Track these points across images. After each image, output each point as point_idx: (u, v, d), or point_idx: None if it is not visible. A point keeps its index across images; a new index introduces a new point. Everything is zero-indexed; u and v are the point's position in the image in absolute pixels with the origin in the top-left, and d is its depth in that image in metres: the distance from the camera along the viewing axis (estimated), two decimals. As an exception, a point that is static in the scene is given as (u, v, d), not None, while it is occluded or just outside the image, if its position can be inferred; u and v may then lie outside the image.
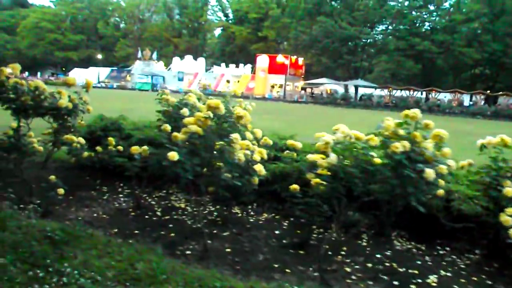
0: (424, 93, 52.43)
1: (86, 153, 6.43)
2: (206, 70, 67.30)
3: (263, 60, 57.09)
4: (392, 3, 54.50)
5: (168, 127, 4.62)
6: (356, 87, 55.24)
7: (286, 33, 62.71)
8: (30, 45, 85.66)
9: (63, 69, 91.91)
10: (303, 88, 60.05)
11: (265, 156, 4.88)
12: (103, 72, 71.44)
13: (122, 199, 6.46)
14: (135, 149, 4.94)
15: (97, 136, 7.99)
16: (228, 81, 60.86)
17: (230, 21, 74.96)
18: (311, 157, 4.43)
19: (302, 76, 60.04)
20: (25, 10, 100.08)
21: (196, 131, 4.30)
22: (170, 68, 69.49)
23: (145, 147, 4.96)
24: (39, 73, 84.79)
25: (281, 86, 57.63)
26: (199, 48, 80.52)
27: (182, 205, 6.31)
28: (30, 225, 4.70)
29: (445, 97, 50.94)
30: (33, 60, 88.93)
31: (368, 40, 49.36)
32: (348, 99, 52.61)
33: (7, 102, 5.58)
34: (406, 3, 54.37)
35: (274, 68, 55.89)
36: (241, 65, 63.78)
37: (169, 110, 6.00)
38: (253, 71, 60.87)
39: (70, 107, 5.60)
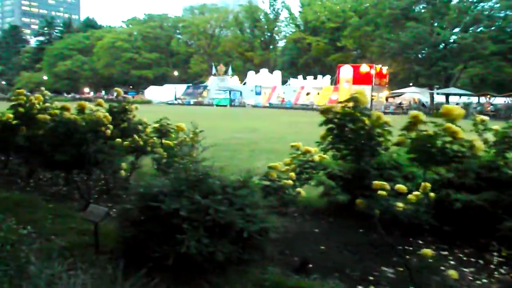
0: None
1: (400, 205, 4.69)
2: (283, 83, 65.90)
3: (346, 71, 54.77)
4: (485, 5, 50.65)
5: None
6: (447, 96, 51.75)
7: (367, 42, 60.13)
8: (106, 65, 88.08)
9: (131, 87, 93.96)
10: (387, 98, 57.22)
11: None
12: (179, 89, 71.79)
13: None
14: None
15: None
16: (308, 94, 59.05)
17: (302, 32, 73.23)
18: None
19: (386, 85, 57.22)
20: (98, 31, 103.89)
21: None
22: (245, 83, 68.68)
23: None
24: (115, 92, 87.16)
25: (364, 96, 54.93)
26: (272, 61, 79.44)
27: None
28: None
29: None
30: (109, 79, 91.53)
31: (463, 44, 45.72)
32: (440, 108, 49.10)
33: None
34: (497, 5, 50.36)
35: (358, 79, 53.40)
36: (319, 76, 61.86)
37: None
38: (333, 82, 58.75)
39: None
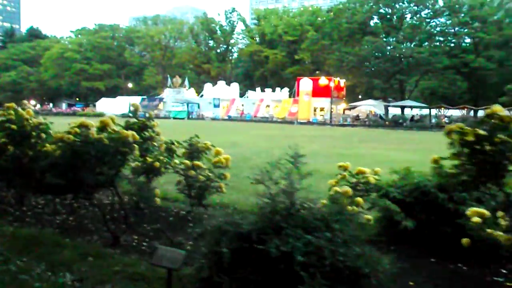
0: (472, 111, 50.23)
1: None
2: (240, 96, 65.38)
3: (306, 83, 55.08)
4: (438, 20, 52.69)
5: None
6: (403, 108, 53.11)
7: (323, 55, 60.76)
8: (54, 76, 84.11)
9: (77, 99, 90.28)
10: (344, 111, 58.01)
11: None
12: (133, 101, 69.21)
13: None
14: None
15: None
16: (267, 106, 58.81)
17: (259, 45, 73.12)
18: None
19: (344, 98, 58.03)
20: (44, 41, 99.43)
21: None
22: (202, 95, 67.61)
23: None
24: (64, 105, 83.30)
25: (322, 109, 55.56)
26: (228, 74, 78.77)
27: None
28: None
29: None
30: (56, 91, 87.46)
31: (419, 58, 47.07)
32: (398, 121, 50.28)
33: None
34: (449, 21, 52.53)
35: (318, 91, 53.87)
36: (277, 89, 61.82)
37: None
38: (292, 94, 58.90)
39: None
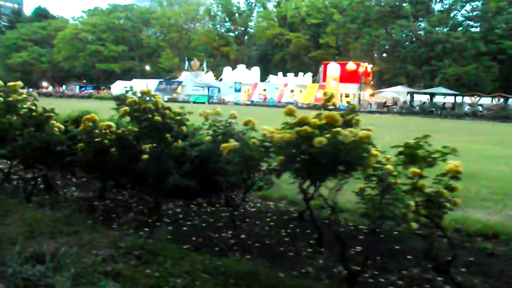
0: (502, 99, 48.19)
1: None
2: (261, 80, 63.52)
3: (333, 68, 53.26)
4: (473, 5, 50.54)
5: None
6: (431, 95, 51.25)
7: (348, 39, 58.72)
8: (68, 57, 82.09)
9: (84, 81, 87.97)
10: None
11: None
12: (151, 84, 67.62)
13: None
14: None
15: None
16: (292, 91, 57.03)
17: (280, 28, 70.80)
18: None
19: (370, 84, 56.28)
20: (56, 21, 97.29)
21: None
22: (221, 79, 65.74)
23: None
24: (77, 87, 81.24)
25: (347, 95, 53.98)
26: (245, 57, 76.61)
27: None
28: None
29: None
30: (68, 72, 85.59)
31: (455, 44, 45.04)
32: (427, 109, 48.48)
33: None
34: (485, 6, 50.30)
35: (345, 76, 52.14)
36: (300, 74, 59.95)
37: None
38: (317, 80, 57.10)
39: None
